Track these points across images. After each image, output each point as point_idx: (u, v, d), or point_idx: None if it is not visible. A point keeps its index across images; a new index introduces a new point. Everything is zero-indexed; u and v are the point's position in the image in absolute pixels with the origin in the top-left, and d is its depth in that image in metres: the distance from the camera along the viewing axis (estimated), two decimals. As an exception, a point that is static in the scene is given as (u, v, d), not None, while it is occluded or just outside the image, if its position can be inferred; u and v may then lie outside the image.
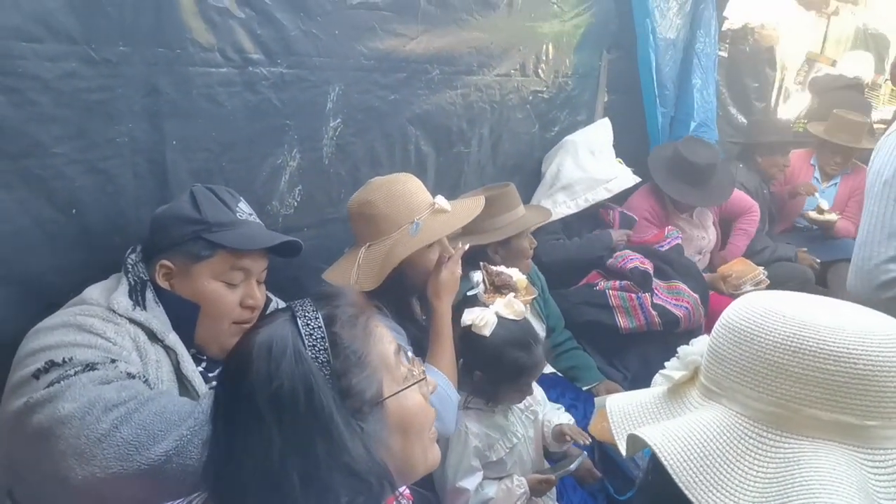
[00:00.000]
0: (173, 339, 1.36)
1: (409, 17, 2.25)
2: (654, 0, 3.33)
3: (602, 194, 2.94)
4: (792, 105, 5.13)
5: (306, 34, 1.92)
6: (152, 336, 1.33)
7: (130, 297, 1.35)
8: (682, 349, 0.85)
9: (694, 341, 0.85)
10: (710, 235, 3.53)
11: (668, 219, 3.35)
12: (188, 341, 1.40)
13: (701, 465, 0.70)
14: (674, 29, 3.56)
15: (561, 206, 2.94)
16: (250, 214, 1.53)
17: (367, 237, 1.79)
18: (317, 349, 0.89)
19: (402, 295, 1.84)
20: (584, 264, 2.91)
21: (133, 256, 1.43)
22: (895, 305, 1.32)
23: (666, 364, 0.86)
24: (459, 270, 1.78)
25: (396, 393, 0.96)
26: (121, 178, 1.56)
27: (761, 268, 3.32)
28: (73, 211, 1.49)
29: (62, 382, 1.13)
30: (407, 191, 1.78)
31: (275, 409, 0.84)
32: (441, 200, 1.80)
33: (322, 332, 0.90)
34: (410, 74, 2.32)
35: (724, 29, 4.10)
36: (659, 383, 0.86)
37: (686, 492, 0.69)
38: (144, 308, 1.35)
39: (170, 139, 1.64)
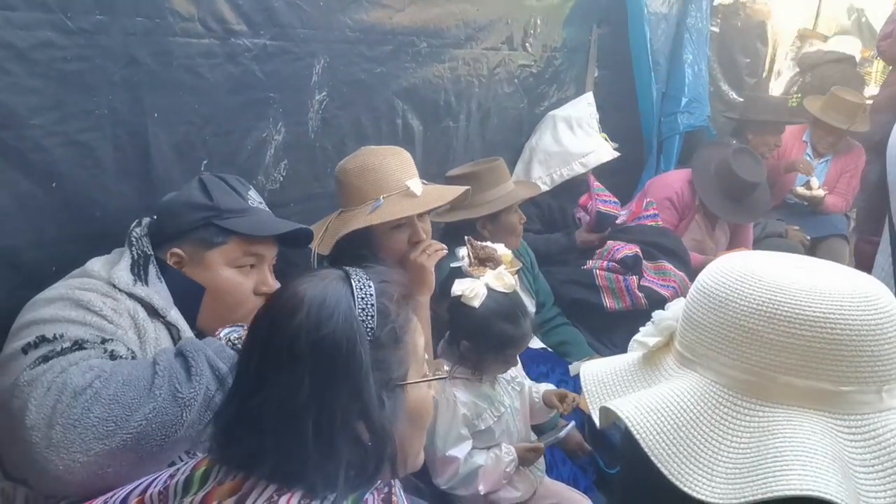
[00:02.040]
0: (175, 315, 1.34)
1: (396, -11, 2.22)
2: (646, -26, 3.29)
3: (577, 169, 2.90)
4: (783, 81, 5.10)
5: (290, 5, 1.89)
6: (153, 312, 1.31)
7: (132, 271, 1.32)
8: (656, 314, 0.83)
9: (669, 305, 0.83)
10: (719, 247, 3.46)
11: (689, 211, 3.29)
12: (189, 322, 1.38)
13: (674, 438, 0.69)
14: (666, 3, 3.52)
15: (537, 181, 2.91)
16: (260, 202, 1.51)
17: (342, 204, 1.82)
18: (366, 313, 0.91)
19: None
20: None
21: (138, 230, 1.41)
22: None
23: (641, 329, 0.85)
24: (430, 263, 1.72)
25: (419, 382, 0.99)
26: (100, 151, 1.54)
27: None
28: (52, 184, 1.46)
29: (44, 365, 1.11)
30: (382, 166, 1.75)
31: (314, 355, 0.86)
32: (413, 184, 1.75)
33: (373, 299, 0.93)
34: (397, 47, 2.29)
35: (715, 4, 4.07)
36: (634, 349, 0.84)
37: (660, 465, 0.67)
38: (146, 283, 1.32)
39: (150, 111, 1.62)
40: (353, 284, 0.93)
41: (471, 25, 2.58)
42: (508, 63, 2.85)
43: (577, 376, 2.39)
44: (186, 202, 1.40)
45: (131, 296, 1.28)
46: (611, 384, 0.83)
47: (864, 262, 3.30)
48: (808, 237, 3.89)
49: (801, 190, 3.94)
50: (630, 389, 0.80)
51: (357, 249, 1.65)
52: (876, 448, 0.65)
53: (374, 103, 2.27)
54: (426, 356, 1.06)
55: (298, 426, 0.84)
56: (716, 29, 4.20)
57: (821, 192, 3.92)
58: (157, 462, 1.10)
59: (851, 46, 5.37)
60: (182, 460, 1.13)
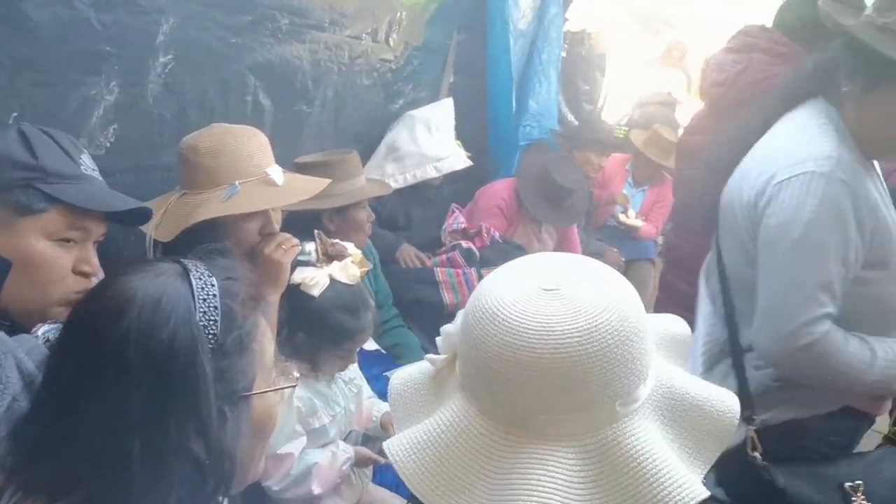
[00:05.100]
0: None
1: (262, -44, 2.07)
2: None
3: (430, 172, 2.93)
4: (614, 111, 5.50)
5: (141, -50, 1.68)
6: None
7: None
8: (444, 328, 0.83)
9: (460, 313, 0.81)
10: (546, 249, 3.64)
11: (517, 217, 3.44)
12: None
13: (436, 473, 0.72)
14: (523, 20, 3.63)
15: (390, 178, 2.90)
16: (94, 170, 1.28)
17: (185, 184, 1.62)
18: (208, 317, 0.80)
19: None
20: None
21: None
22: (813, 364, 1.42)
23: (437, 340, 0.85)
24: (287, 260, 1.59)
25: (266, 392, 0.89)
26: None
27: None
28: None
29: None
30: (240, 148, 1.59)
31: (146, 366, 0.75)
32: (274, 172, 1.61)
33: (216, 301, 0.82)
34: (256, 19, 2.14)
35: (564, 30, 4.28)
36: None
37: (423, 500, 0.71)
38: None
39: (-49, 46, 1.36)
40: (194, 283, 0.81)
41: (336, 10, 2.48)
42: (370, 55, 2.78)
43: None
44: (3, 156, 1.15)
45: None
46: (411, 402, 0.83)
47: (665, 288, 3.65)
48: (623, 258, 4.25)
49: (622, 217, 4.30)
50: (422, 411, 0.81)
51: (198, 237, 1.48)
52: (605, 463, 0.69)
53: (225, 75, 2.10)
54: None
55: (123, 448, 0.73)
56: (564, 54, 4.42)
57: (638, 222, 4.30)
58: None
59: (677, 83, 5.93)
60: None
